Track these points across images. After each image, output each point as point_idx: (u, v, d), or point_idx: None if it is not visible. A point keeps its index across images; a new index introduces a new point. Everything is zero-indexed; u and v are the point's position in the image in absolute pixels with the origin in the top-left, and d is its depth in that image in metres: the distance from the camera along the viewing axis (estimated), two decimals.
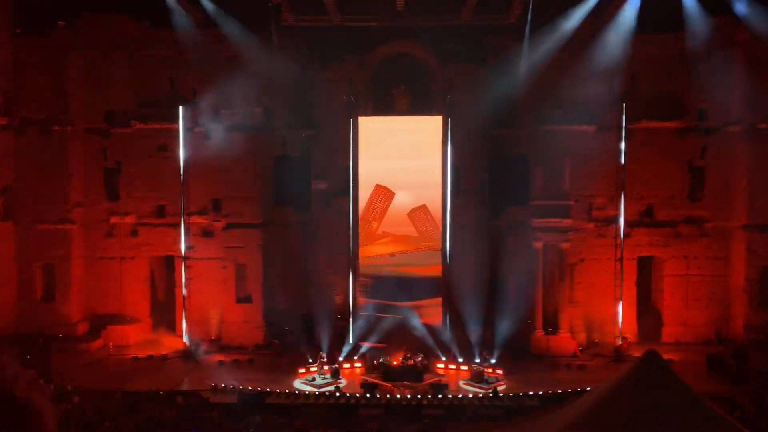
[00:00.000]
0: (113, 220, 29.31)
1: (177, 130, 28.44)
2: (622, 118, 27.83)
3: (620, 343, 27.15)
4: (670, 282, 28.81)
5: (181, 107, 28.28)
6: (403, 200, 27.69)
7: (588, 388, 20.90)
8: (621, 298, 27.92)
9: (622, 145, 27.96)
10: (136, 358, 26.44)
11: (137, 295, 29.53)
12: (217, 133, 28.28)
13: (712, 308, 28.51)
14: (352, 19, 27.26)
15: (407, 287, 27.66)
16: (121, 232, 29.41)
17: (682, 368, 21.76)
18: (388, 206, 27.84)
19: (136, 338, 28.54)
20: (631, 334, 28.05)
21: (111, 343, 27.42)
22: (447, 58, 28.38)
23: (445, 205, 27.39)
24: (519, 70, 26.91)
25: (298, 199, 29.13)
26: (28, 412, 2.42)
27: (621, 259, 28.07)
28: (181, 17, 27.30)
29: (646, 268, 29.78)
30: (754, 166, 27.63)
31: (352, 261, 27.83)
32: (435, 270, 27.79)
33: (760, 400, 19.84)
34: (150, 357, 26.64)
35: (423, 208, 27.73)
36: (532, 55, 26.66)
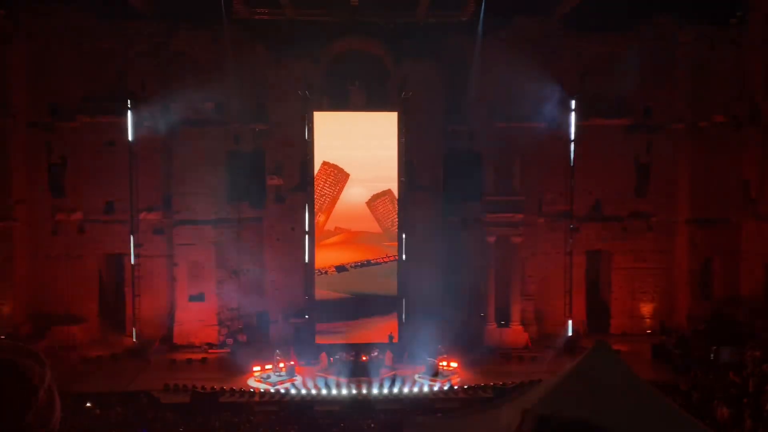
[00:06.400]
0: (59, 216, 28.34)
1: (125, 125, 27.71)
2: (571, 115, 28.50)
3: (570, 334, 27.87)
4: (618, 275, 29.65)
5: (129, 101, 27.54)
6: (359, 194, 26.03)
7: (540, 380, 21.35)
8: (571, 291, 28.67)
9: (572, 143, 28.70)
10: (83, 359, 25.61)
11: (84, 294, 28.59)
12: (166, 127, 27.65)
13: (657, 300, 29.53)
14: (307, 14, 27.04)
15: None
16: (67, 230, 28.48)
17: (628, 358, 22.41)
18: (340, 192, 24.70)
19: (83, 338, 27.62)
20: (581, 326, 28.78)
21: (57, 344, 26.49)
22: (402, 54, 28.48)
23: (401, 200, 27.37)
24: (472, 67, 27.26)
25: (252, 195, 28.77)
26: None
27: (570, 254, 28.79)
28: (129, 9, 26.56)
29: (595, 261, 30.61)
30: (695, 162, 28.72)
31: (308, 257, 27.56)
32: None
33: (701, 387, 20.63)
34: (98, 357, 25.82)
35: (387, 193, 25.04)
36: (484, 53, 27.04)
